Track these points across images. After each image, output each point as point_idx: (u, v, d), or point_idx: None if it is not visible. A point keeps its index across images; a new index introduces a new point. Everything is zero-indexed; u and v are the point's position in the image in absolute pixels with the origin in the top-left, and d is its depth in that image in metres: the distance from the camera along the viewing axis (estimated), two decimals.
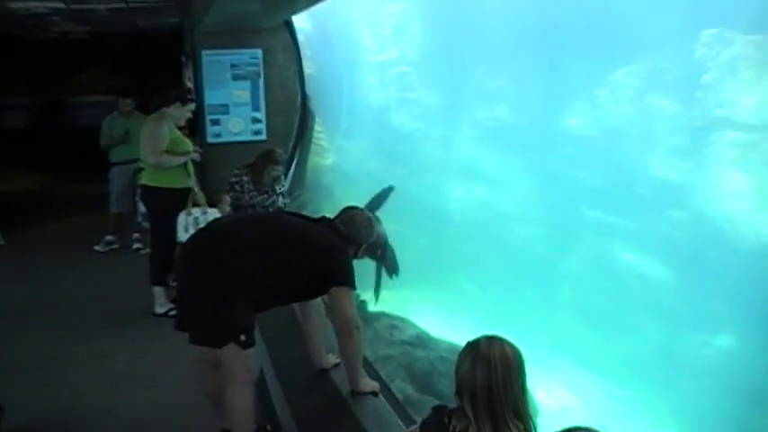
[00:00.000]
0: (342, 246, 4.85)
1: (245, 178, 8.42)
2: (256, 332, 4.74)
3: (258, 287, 4.62)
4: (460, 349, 3.21)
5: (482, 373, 3.02)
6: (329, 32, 15.15)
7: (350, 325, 4.70)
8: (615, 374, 12.01)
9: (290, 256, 4.71)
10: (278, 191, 8.59)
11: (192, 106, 8.35)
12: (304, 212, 7.37)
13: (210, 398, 5.06)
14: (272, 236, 4.80)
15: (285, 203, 8.72)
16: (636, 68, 14.47)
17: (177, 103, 8.10)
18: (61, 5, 12.56)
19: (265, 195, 8.43)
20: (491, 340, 3.10)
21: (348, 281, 4.76)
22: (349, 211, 5.16)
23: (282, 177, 9.07)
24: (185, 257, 4.83)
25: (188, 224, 7.80)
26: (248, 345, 4.58)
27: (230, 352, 4.56)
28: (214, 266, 4.58)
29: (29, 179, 18.86)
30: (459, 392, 3.12)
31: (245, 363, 4.62)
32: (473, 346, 3.11)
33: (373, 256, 8.66)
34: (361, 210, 5.15)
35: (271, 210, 8.42)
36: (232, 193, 8.42)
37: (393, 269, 10.09)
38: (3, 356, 7.22)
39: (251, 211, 8.30)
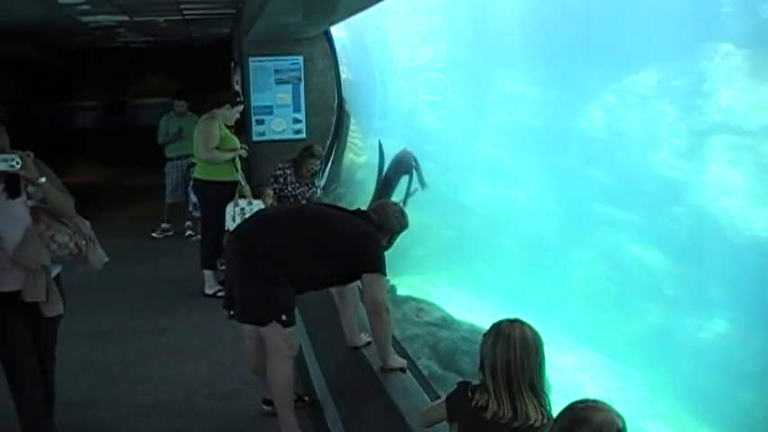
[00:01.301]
0: (374, 235, 4.81)
1: (287, 171, 8.43)
2: (296, 312, 4.72)
3: (298, 271, 4.60)
4: (481, 330, 3.18)
5: (502, 351, 2.99)
6: (364, 42, 15.14)
7: (380, 308, 4.67)
8: (620, 354, 11.95)
9: (327, 244, 4.68)
10: (317, 184, 8.60)
11: (241, 108, 8.35)
12: (340, 204, 7.35)
13: (255, 371, 5.06)
14: (311, 225, 4.78)
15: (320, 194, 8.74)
16: (642, 77, 14.38)
17: (227, 105, 8.09)
18: (126, 18, 12.61)
19: (306, 187, 8.43)
20: (512, 323, 3.07)
21: (379, 267, 4.72)
22: (382, 203, 5.13)
23: (320, 172, 9.08)
24: (233, 244, 4.82)
25: (235, 214, 7.78)
26: (289, 324, 4.56)
27: (272, 330, 4.55)
28: (259, 252, 4.58)
29: (96, 172, 19.00)
30: (481, 368, 3.09)
31: (286, 340, 4.60)
32: (496, 326, 3.08)
33: None
34: (394, 202, 5.12)
35: (311, 199, 8.43)
36: (275, 185, 8.42)
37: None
38: (69, 330, 7.21)
39: (293, 201, 8.30)
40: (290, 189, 8.37)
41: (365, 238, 4.76)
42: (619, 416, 2.48)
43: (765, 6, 12.85)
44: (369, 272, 4.70)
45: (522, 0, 15.95)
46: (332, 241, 4.71)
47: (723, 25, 13.49)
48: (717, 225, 12.29)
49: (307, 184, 8.45)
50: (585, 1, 15.03)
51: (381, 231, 4.87)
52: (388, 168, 12.28)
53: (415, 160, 12.21)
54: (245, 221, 5.23)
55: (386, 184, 12.22)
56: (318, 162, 8.58)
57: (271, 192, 8.37)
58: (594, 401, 2.55)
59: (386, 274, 4.81)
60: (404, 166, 12.17)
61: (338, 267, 4.75)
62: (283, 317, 4.52)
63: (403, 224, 5.00)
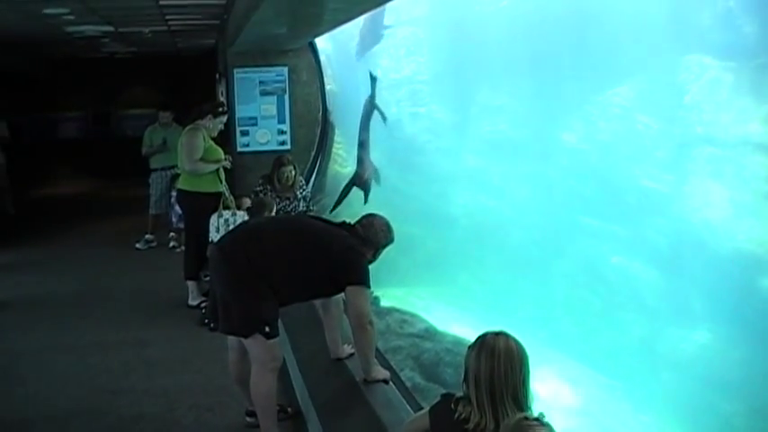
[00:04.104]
0: (358, 248, 4.79)
1: (267, 187, 8.40)
2: (280, 324, 4.70)
3: (282, 283, 4.59)
4: (465, 342, 3.20)
5: (486, 361, 2.99)
6: (349, 53, 15.12)
7: (364, 321, 4.65)
8: (603, 365, 11.94)
9: (311, 256, 4.67)
10: (299, 196, 8.55)
11: (224, 118, 8.31)
12: (324, 216, 7.32)
13: (238, 382, 5.05)
14: (295, 237, 4.76)
15: (308, 207, 8.68)
16: (625, 89, 14.44)
17: (209, 116, 8.07)
18: (110, 29, 12.59)
19: (287, 201, 8.38)
20: (497, 334, 3.09)
21: (363, 280, 4.71)
22: (369, 216, 5.08)
23: (303, 182, 9.04)
24: (216, 255, 4.80)
25: (219, 225, 7.76)
26: (272, 335, 4.55)
27: (255, 342, 4.53)
28: (242, 263, 4.56)
29: (80, 183, 18.97)
30: (465, 379, 3.10)
31: (270, 352, 4.59)
32: (481, 338, 3.10)
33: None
34: (380, 216, 5.07)
35: (293, 213, 8.39)
36: (256, 200, 8.39)
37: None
38: (52, 342, 7.22)
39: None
40: None
41: (349, 250, 4.74)
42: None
43: (745, 19, 12.94)
44: (353, 284, 4.68)
45: (505, 13, 15.99)
46: (316, 253, 4.69)
47: (704, 38, 13.57)
48: (698, 236, 12.34)
49: (288, 198, 8.42)
50: (567, 14, 15.08)
51: (366, 244, 4.86)
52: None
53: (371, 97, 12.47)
54: (229, 232, 5.24)
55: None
56: (290, 168, 8.54)
57: (248, 201, 8.33)
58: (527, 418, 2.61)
59: (370, 287, 4.79)
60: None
61: (322, 279, 4.73)
62: (266, 328, 4.51)
63: (388, 238, 4.97)
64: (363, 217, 5.08)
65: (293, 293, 4.74)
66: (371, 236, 4.89)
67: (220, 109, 8.36)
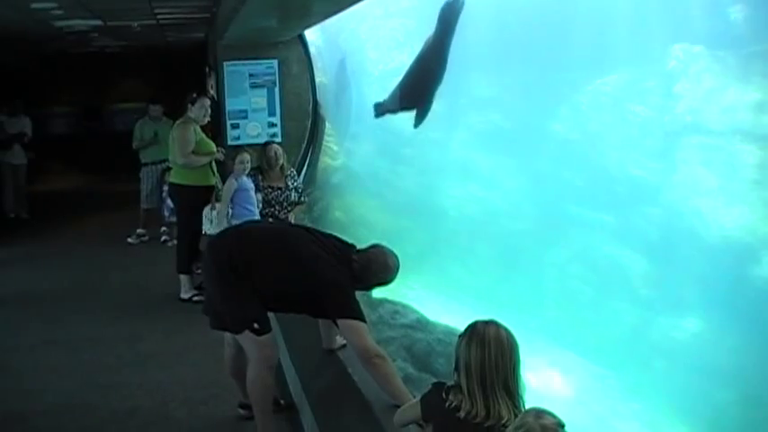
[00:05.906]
0: (343, 284, 4.53)
1: (258, 177, 8.40)
2: (272, 316, 4.69)
3: (264, 290, 4.51)
4: (456, 332, 3.21)
5: (476, 350, 3.02)
6: (339, 45, 15.10)
7: (367, 355, 4.33)
8: (595, 354, 11.98)
9: (291, 276, 4.53)
10: (290, 186, 8.54)
11: (204, 102, 8.19)
12: (316, 207, 7.29)
13: (233, 376, 5.06)
14: (282, 251, 4.62)
15: (300, 198, 8.67)
16: (615, 79, 14.45)
17: (189, 105, 8.08)
18: (100, 23, 12.53)
19: (279, 191, 8.38)
20: (488, 323, 3.11)
21: (351, 314, 4.41)
22: (373, 248, 4.76)
23: (294, 172, 9.04)
24: (206, 252, 4.83)
25: (212, 217, 7.78)
26: (262, 332, 4.50)
27: (247, 338, 4.52)
28: (226, 264, 4.53)
29: (71, 178, 18.90)
30: (456, 367, 3.12)
31: (263, 349, 4.54)
32: (472, 327, 3.12)
33: None
34: (387, 252, 4.72)
35: (285, 203, 8.39)
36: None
37: None
38: (45, 336, 7.21)
39: (270, 209, 8.29)
40: (262, 195, 8.34)
41: (332, 284, 4.50)
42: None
43: (735, 8, 12.97)
44: (341, 318, 4.43)
45: (494, 3, 15.98)
46: (296, 274, 4.54)
47: (693, 27, 13.60)
48: (689, 225, 12.38)
49: (279, 188, 8.41)
50: (557, 4, 15.09)
51: (356, 279, 4.63)
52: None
53: None
54: (224, 231, 5.20)
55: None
56: (276, 147, 8.59)
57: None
58: (546, 411, 2.59)
59: (363, 320, 4.45)
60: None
61: (301, 301, 4.62)
62: (255, 325, 4.47)
63: (382, 279, 4.76)
64: (371, 247, 4.80)
65: (274, 306, 4.73)
66: (366, 274, 4.67)
67: (194, 94, 8.29)
